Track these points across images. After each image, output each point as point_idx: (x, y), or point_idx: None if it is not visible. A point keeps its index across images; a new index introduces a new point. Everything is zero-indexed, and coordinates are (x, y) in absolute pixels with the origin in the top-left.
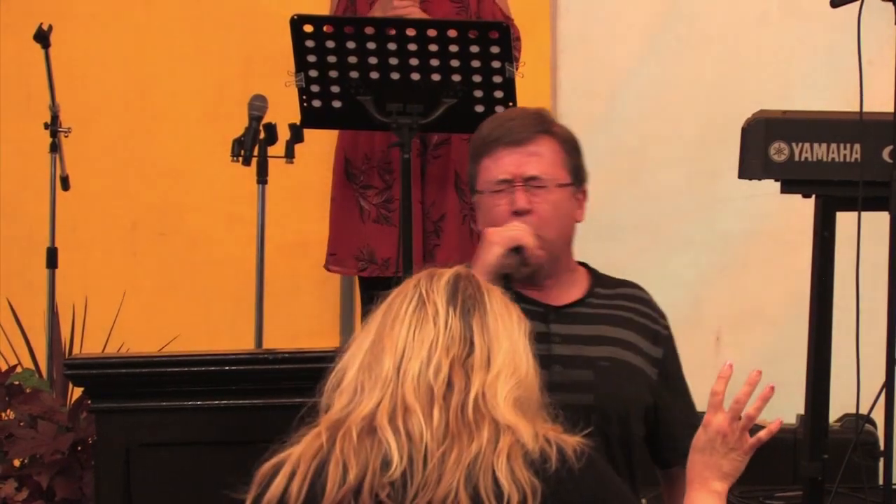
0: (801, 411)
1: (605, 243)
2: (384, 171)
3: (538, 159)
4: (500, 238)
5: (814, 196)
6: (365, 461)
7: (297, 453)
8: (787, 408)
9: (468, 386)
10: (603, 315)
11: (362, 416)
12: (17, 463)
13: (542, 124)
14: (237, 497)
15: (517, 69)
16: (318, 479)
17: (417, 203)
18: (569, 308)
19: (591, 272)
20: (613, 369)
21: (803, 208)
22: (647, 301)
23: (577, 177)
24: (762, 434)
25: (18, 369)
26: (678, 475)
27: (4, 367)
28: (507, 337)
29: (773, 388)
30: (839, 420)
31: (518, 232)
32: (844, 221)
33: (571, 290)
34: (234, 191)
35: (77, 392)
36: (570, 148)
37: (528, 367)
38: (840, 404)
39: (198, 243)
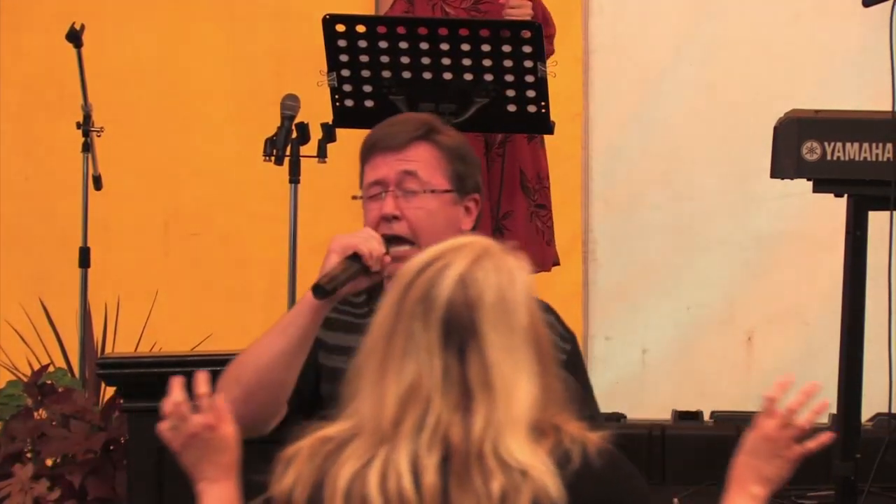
0: (834, 411)
1: (637, 243)
2: None
3: (413, 165)
4: (336, 245)
5: (846, 195)
6: None
7: (304, 454)
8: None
9: (468, 440)
10: None
11: (353, 469)
12: (49, 462)
13: (424, 130)
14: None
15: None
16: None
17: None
18: None
19: None
20: None
21: (836, 208)
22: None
23: (461, 185)
24: (811, 444)
25: (51, 368)
26: None
27: (37, 367)
28: (509, 355)
29: (828, 404)
30: (871, 419)
31: (356, 239)
32: (877, 221)
33: None
34: (266, 190)
35: (109, 391)
36: (454, 156)
37: (538, 376)
38: (872, 404)
39: (230, 243)
